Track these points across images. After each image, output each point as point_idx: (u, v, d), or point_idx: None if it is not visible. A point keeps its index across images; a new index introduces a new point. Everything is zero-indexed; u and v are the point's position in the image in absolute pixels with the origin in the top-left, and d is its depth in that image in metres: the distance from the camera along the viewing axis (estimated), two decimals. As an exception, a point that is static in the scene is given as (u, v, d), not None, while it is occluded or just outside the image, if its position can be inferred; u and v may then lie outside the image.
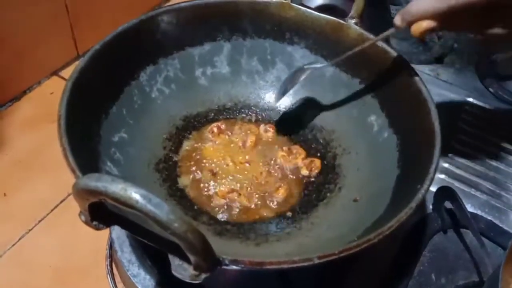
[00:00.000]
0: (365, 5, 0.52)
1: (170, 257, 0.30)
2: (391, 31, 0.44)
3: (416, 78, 0.46)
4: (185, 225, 0.27)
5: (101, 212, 0.31)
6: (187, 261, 0.29)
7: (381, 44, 0.49)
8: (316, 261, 0.32)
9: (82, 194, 0.28)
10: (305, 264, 0.31)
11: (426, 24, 0.41)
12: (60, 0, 0.72)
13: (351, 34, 0.50)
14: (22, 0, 0.66)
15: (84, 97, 0.42)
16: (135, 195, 0.26)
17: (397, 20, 0.43)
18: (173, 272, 0.30)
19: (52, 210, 0.60)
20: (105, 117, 0.45)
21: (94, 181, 0.27)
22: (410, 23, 0.42)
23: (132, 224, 0.31)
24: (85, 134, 0.42)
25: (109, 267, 0.53)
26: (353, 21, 0.50)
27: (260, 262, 0.31)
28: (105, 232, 0.53)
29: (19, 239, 0.57)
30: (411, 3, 0.42)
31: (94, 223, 0.31)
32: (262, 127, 0.54)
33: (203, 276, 0.30)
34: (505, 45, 0.42)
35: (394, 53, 0.49)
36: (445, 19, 0.40)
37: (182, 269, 0.30)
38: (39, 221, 0.59)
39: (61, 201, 0.61)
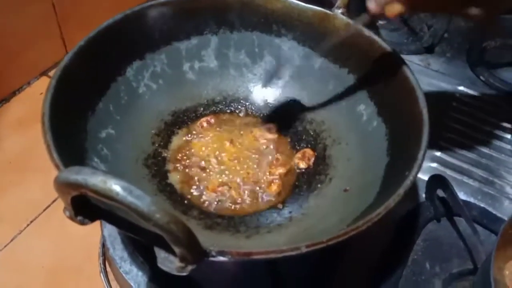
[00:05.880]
0: (351, -6, 0.51)
1: (156, 250, 0.30)
2: (366, 17, 0.44)
3: (404, 66, 0.45)
4: (168, 216, 0.26)
5: (85, 207, 0.30)
6: (173, 253, 0.29)
7: (368, 33, 0.49)
8: (304, 249, 0.31)
9: (63, 188, 0.27)
10: (293, 253, 0.31)
11: (400, 6, 0.40)
12: (48, 0, 0.71)
13: (337, 24, 0.50)
14: (10, 2, 0.66)
15: (69, 94, 0.42)
16: (115, 187, 0.25)
17: (371, 5, 0.42)
18: (159, 265, 0.29)
19: (44, 210, 0.60)
20: (92, 113, 0.45)
21: (74, 174, 0.26)
22: (383, 7, 0.41)
23: (116, 218, 0.31)
24: (71, 131, 0.41)
25: (102, 265, 0.53)
26: (340, 11, 0.50)
27: (247, 253, 0.31)
28: (96, 231, 0.52)
29: (11, 240, 0.57)
30: None
31: (79, 218, 0.31)
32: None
33: (190, 268, 0.29)
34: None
35: (382, 43, 0.48)
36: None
37: (168, 262, 0.29)
38: (31, 222, 0.59)
39: (53, 201, 0.61)
